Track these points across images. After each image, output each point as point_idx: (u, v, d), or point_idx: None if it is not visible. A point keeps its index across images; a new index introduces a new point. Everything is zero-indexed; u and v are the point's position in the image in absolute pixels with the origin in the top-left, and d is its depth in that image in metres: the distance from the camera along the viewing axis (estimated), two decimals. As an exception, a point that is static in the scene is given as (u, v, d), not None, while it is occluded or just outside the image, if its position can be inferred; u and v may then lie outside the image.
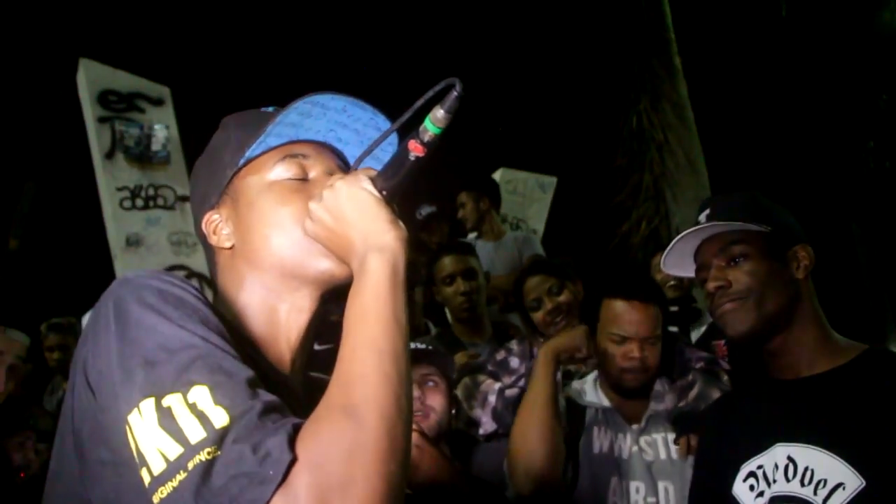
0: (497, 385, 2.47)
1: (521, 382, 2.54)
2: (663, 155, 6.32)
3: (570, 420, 2.16)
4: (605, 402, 2.14)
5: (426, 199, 4.77)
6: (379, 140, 0.96)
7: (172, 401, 0.70)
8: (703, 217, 1.56)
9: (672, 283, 3.35)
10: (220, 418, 0.68)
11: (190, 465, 0.66)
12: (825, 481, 1.33)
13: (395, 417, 0.71)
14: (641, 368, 2.04)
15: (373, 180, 0.89)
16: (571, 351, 1.96)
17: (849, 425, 1.35)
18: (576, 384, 2.28)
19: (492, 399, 2.43)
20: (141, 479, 0.70)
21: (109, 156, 4.33)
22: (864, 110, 7.66)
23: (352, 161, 1.03)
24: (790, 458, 1.39)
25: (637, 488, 2.01)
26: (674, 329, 3.09)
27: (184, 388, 0.70)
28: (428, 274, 3.17)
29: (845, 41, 7.48)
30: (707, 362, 2.25)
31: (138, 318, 0.76)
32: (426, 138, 0.88)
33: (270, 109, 1.00)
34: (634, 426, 2.10)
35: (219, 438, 0.67)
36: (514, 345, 2.67)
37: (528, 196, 5.56)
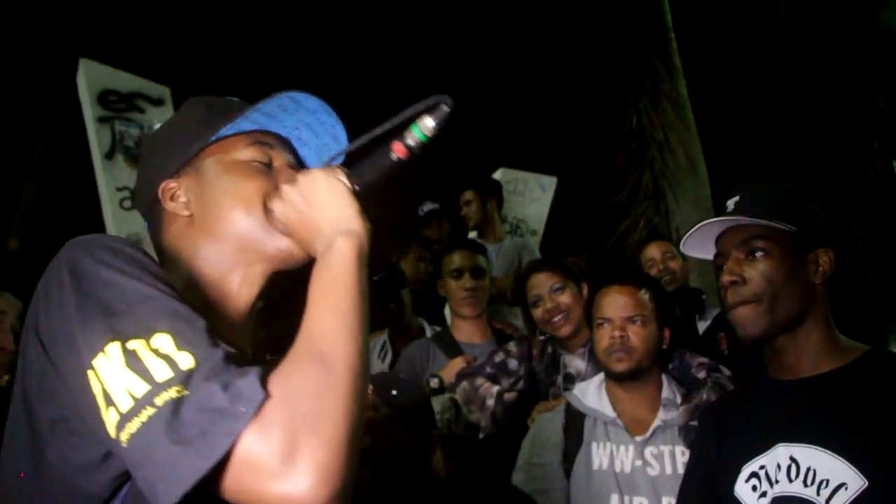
0: (495, 388, 2.46)
1: (520, 385, 2.53)
2: (663, 154, 6.31)
3: (569, 432, 2.13)
4: (609, 412, 2.09)
5: (427, 196, 4.78)
6: (364, 141, 1.00)
7: (137, 345, 0.72)
8: (731, 203, 1.53)
9: (666, 278, 3.33)
10: (185, 360, 0.71)
11: (158, 402, 0.68)
12: (827, 481, 1.33)
13: (359, 368, 0.76)
14: (623, 347, 2.04)
15: (348, 175, 0.94)
16: None
17: (851, 426, 1.34)
18: (580, 386, 2.23)
19: (490, 403, 2.42)
20: (103, 423, 0.71)
21: (109, 156, 4.32)
22: (864, 111, 7.66)
23: (307, 161, 1.09)
24: (792, 459, 1.38)
25: None
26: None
27: (146, 334, 0.72)
28: (435, 267, 3.19)
29: (845, 41, 7.47)
30: (709, 369, 2.22)
31: (94, 273, 0.78)
32: (411, 143, 0.93)
33: (234, 100, 1.06)
34: (638, 438, 2.04)
35: (186, 378, 0.69)
36: (512, 346, 2.66)
37: (528, 196, 5.56)
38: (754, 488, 1.43)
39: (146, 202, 1.04)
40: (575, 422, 2.13)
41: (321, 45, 7.88)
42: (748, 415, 1.53)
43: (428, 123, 0.92)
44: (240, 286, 0.97)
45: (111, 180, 4.28)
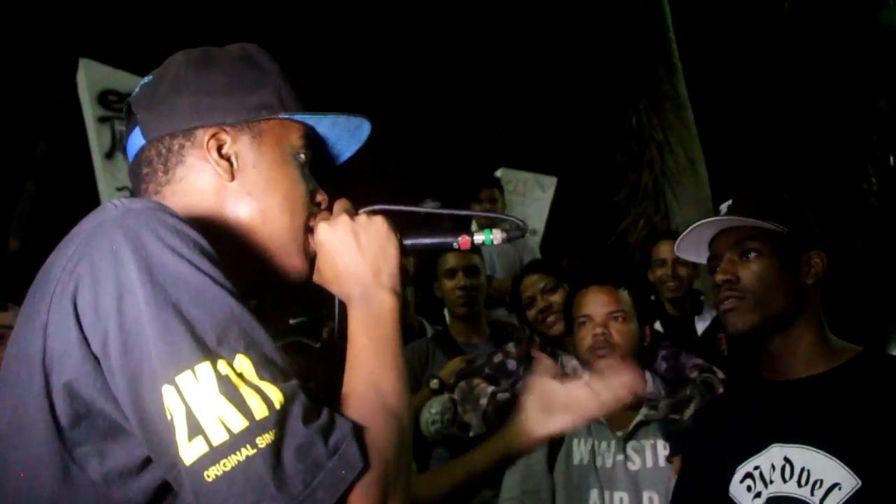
0: (490, 388, 2.48)
1: (518, 386, 2.54)
2: (663, 154, 6.32)
3: None
4: None
5: (428, 194, 4.79)
6: (447, 213, 1.15)
7: (227, 369, 0.68)
8: (724, 207, 1.55)
9: (671, 284, 3.31)
10: (274, 395, 0.69)
11: (260, 443, 0.66)
12: (821, 481, 1.34)
13: (413, 423, 0.86)
14: (606, 343, 2.07)
15: (404, 234, 0.97)
16: None
17: (844, 426, 1.35)
18: None
19: (483, 402, 2.44)
20: (172, 446, 0.66)
21: (109, 156, 4.32)
22: (864, 111, 7.66)
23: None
24: (787, 459, 1.40)
25: (621, 499, 1.99)
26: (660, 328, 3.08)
27: (229, 355, 0.69)
28: (431, 268, 3.20)
29: (845, 41, 7.47)
30: (702, 370, 2.23)
31: (164, 262, 0.71)
32: (477, 241, 1.01)
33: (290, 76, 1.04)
34: (619, 433, 2.07)
35: (281, 419, 0.68)
36: (511, 347, 2.68)
37: (528, 196, 5.58)
38: (749, 489, 1.44)
39: (164, 125, 0.92)
40: None
41: (322, 45, 7.88)
42: (742, 415, 1.54)
43: (498, 236, 1.00)
44: (240, 278, 0.90)
45: (111, 180, 4.28)
